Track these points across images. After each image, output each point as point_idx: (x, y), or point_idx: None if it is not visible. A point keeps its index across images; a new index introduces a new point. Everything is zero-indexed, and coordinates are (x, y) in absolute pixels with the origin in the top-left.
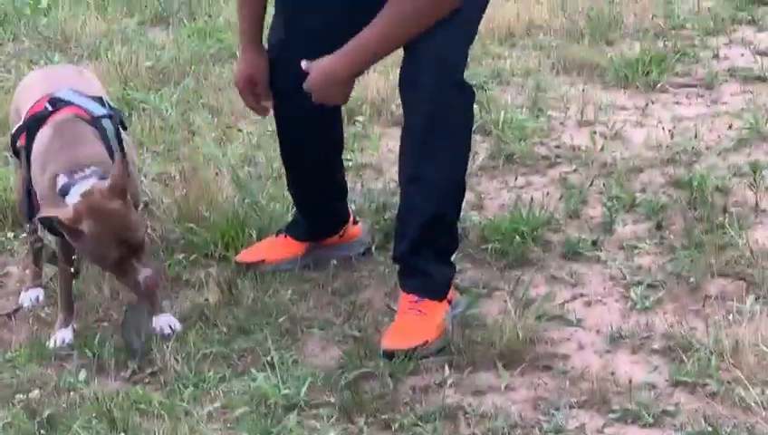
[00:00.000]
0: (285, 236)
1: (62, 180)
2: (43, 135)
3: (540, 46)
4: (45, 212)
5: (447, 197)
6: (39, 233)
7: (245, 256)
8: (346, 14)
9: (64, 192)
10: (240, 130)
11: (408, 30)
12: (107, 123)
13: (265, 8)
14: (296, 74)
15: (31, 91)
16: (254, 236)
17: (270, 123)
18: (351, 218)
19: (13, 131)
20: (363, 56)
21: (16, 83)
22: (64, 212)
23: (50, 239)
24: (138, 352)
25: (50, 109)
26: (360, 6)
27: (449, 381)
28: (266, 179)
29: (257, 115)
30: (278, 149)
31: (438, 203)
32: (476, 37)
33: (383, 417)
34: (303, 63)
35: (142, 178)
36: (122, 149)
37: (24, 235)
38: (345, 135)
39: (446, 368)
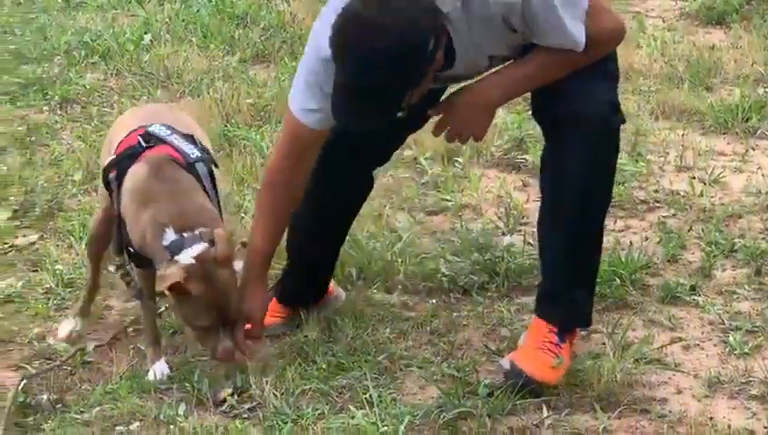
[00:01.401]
0: (272, 301)
1: (170, 236)
2: (138, 172)
3: (639, 91)
4: (164, 270)
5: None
6: (127, 267)
7: None
8: None
9: (174, 250)
10: None
11: (573, 67)
12: (201, 167)
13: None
14: None
15: (124, 124)
16: (354, 273)
17: None
18: None
19: (105, 163)
20: (519, 88)
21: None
22: (177, 273)
23: (136, 273)
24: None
25: (143, 145)
26: None
27: (547, 423)
28: (366, 218)
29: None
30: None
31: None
32: None
33: None
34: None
35: (242, 215)
36: (216, 193)
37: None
38: (445, 177)
39: (544, 409)
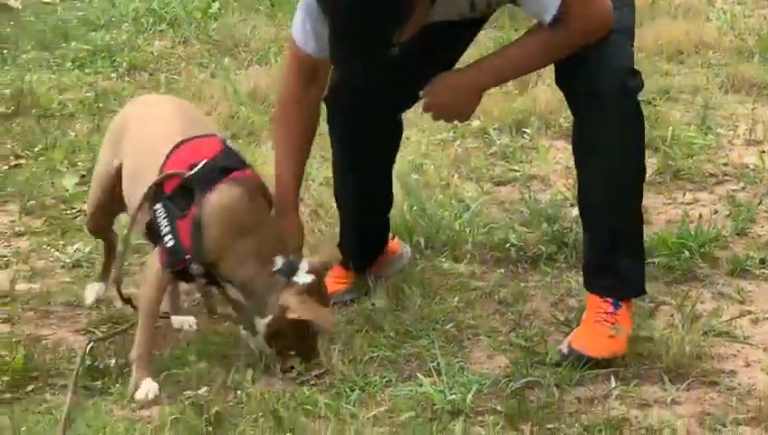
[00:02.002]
0: (334, 267)
1: (280, 261)
2: (234, 195)
3: (708, 64)
4: (292, 295)
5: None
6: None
7: None
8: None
9: (288, 272)
10: (408, 139)
11: (559, 55)
12: None
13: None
14: None
15: (137, 116)
16: (422, 243)
17: (438, 132)
18: (389, 234)
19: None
20: (506, 73)
21: (186, 86)
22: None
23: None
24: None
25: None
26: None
27: (615, 393)
28: (434, 187)
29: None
30: (440, 159)
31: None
32: (645, 54)
33: (548, 426)
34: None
35: (310, 182)
36: None
37: None
38: (513, 147)
39: (612, 380)
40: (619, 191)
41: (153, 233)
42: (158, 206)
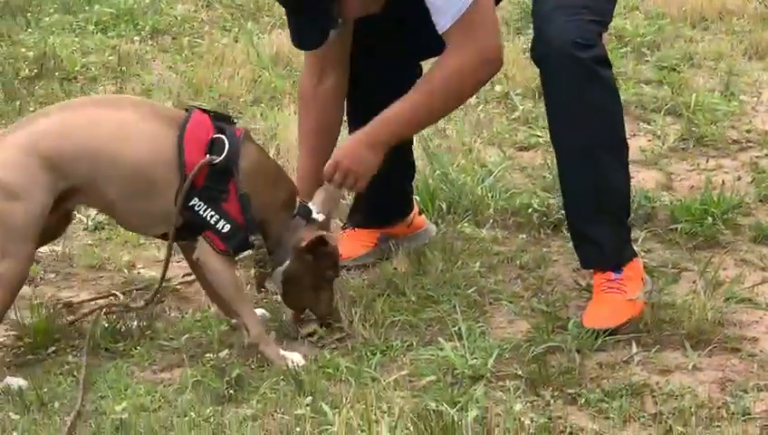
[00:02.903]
0: (354, 230)
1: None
2: (252, 152)
3: (732, 31)
4: (313, 231)
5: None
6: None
7: None
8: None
9: (305, 214)
10: None
11: (446, 105)
12: None
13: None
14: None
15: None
16: (444, 207)
17: None
18: (417, 209)
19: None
20: (404, 122)
21: (209, 49)
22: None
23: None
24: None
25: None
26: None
27: (636, 359)
28: (457, 152)
29: None
30: (463, 124)
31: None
32: (670, 20)
33: (569, 391)
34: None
35: None
36: None
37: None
38: (535, 112)
39: (634, 345)
40: (576, 160)
41: (190, 230)
42: (195, 201)
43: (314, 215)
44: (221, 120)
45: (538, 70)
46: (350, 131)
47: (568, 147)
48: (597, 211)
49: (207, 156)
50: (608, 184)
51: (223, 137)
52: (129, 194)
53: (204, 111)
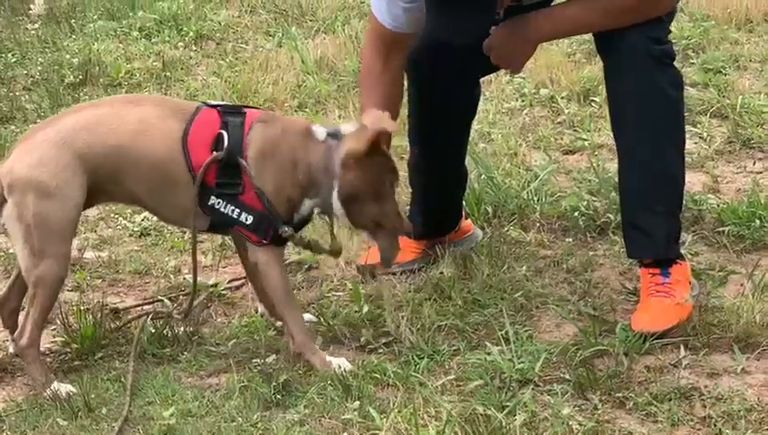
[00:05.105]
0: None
1: (316, 128)
2: (259, 139)
3: None
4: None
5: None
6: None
7: (370, 259)
8: None
9: (333, 134)
10: None
11: (618, 21)
12: None
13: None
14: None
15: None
16: (490, 211)
17: (506, 101)
18: (464, 213)
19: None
20: (565, 26)
21: (253, 54)
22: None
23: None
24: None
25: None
26: None
27: (684, 363)
28: (502, 156)
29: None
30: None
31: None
32: (715, 22)
33: (617, 395)
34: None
35: None
36: None
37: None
38: (581, 116)
39: (682, 349)
40: (640, 147)
41: (219, 227)
42: (213, 200)
43: (342, 130)
44: (230, 113)
45: (588, 68)
46: None
47: (631, 135)
48: (653, 201)
49: (214, 153)
50: (668, 174)
51: (224, 132)
52: (153, 189)
53: (212, 105)
